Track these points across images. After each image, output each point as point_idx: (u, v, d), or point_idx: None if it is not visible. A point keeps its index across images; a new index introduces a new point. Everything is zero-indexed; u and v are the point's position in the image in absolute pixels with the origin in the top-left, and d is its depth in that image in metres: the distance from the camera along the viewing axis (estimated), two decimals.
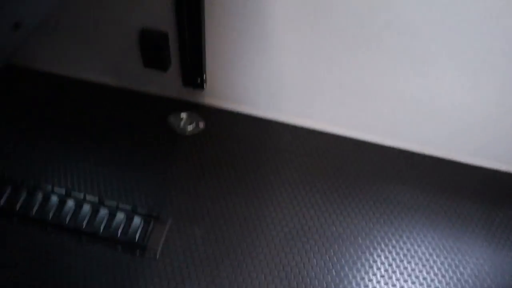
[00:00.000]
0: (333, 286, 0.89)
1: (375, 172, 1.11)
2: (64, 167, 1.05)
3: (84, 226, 0.95)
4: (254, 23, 0.99)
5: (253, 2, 0.95)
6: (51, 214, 0.96)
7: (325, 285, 0.89)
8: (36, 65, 1.26)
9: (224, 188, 1.04)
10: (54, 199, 0.98)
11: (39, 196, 0.98)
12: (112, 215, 0.97)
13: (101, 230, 0.94)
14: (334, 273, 0.92)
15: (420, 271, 0.94)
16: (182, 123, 1.19)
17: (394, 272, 0.93)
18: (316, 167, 1.11)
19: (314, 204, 1.03)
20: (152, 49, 1.08)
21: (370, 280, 0.92)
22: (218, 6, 0.97)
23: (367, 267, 0.94)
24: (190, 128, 1.18)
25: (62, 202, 0.98)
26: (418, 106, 1.06)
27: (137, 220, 0.96)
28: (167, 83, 1.20)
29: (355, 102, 1.10)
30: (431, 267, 0.94)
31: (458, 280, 0.93)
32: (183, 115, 1.21)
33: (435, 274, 0.93)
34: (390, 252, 0.96)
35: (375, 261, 0.95)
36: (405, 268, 0.94)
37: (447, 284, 0.92)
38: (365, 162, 1.13)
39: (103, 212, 0.97)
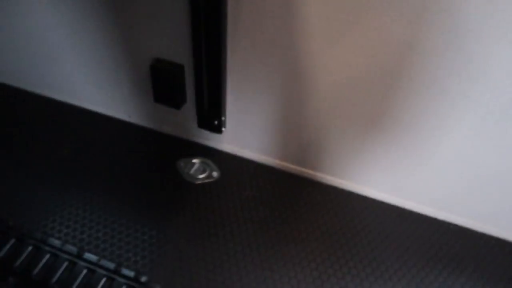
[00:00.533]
0: None
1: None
2: (46, 207, 0.90)
3: (54, 281, 0.77)
4: (286, 60, 0.83)
5: (286, 34, 0.79)
6: (18, 262, 0.79)
7: None
8: (36, 89, 1.16)
9: (232, 255, 0.85)
10: (27, 247, 0.82)
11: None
12: (91, 272, 0.79)
13: None
14: None
15: None
16: (193, 169, 1.03)
17: None
18: (344, 233, 0.90)
19: None
20: (164, 83, 0.94)
21: None
22: (243, 36, 0.83)
23: None
24: (201, 176, 1.02)
25: (35, 249, 0.81)
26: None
27: (118, 284, 0.78)
28: (179, 122, 1.05)
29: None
30: None
31: None
32: (195, 160, 1.05)
33: None
34: None
35: None
36: None
37: None
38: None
39: (80, 267, 0.79)
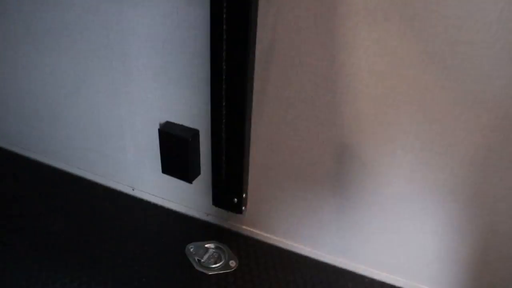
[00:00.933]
0: None
1: None
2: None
3: None
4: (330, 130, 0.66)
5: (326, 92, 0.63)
6: None
7: None
8: (30, 154, 1.00)
9: None
10: None
11: None
12: None
13: None
14: None
15: None
16: (205, 256, 0.84)
17: None
18: None
19: None
20: (174, 151, 0.78)
21: None
22: (271, 103, 0.67)
23: None
24: (216, 266, 0.82)
25: None
26: None
27: None
28: (191, 198, 0.88)
29: None
30: None
31: None
32: (209, 245, 0.86)
33: None
34: None
35: None
36: None
37: None
38: None
39: None
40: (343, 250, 0.80)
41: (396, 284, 0.78)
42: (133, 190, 0.94)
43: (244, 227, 0.88)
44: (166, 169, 0.81)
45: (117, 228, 0.87)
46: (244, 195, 0.80)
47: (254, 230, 0.87)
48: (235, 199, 0.81)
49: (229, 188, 0.80)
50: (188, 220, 0.91)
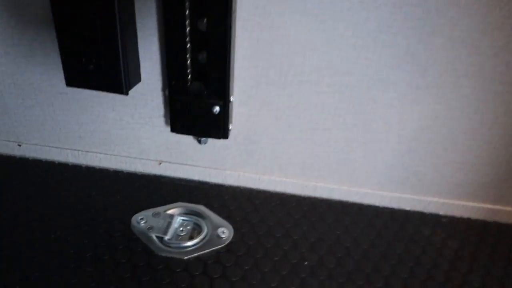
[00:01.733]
0: None
1: None
2: None
3: None
4: None
5: None
6: None
7: None
8: None
9: None
10: None
11: None
12: None
13: None
14: None
15: None
16: (170, 230, 0.46)
17: None
18: None
19: None
20: None
21: None
22: None
23: None
24: (193, 242, 0.45)
25: None
26: None
27: None
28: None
29: None
30: None
31: None
32: (171, 212, 0.48)
33: None
34: None
35: None
36: None
37: None
38: None
39: None
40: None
41: None
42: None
43: (228, 172, 0.52)
44: None
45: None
46: (229, 102, 0.44)
47: (244, 173, 0.52)
48: (216, 107, 0.44)
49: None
50: (124, 177, 0.51)
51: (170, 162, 0.53)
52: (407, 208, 0.53)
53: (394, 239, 0.48)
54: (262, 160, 0.52)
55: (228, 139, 0.48)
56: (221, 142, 0.50)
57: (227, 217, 0.49)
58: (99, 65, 0.41)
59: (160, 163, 0.53)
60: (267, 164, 0.52)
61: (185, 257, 0.44)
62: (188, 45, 0.42)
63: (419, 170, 0.51)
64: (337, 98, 0.46)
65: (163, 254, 0.44)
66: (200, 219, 0.48)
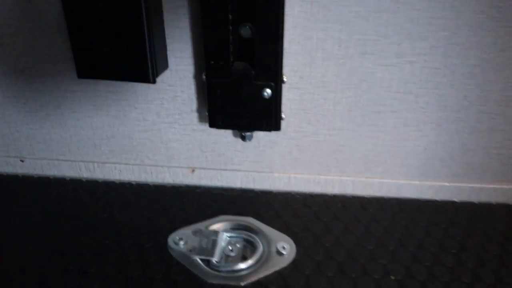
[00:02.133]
0: None
1: None
2: None
3: None
4: None
5: None
6: None
7: None
8: None
9: None
10: None
11: None
12: None
13: None
14: None
15: None
16: (216, 250, 0.37)
17: None
18: None
19: None
20: None
21: None
22: None
23: None
24: (247, 263, 0.36)
25: None
26: None
27: None
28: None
29: None
30: None
31: None
32: (214, 227, 0.39)
33: None
34: None
35: None
36: None
37: None
38: None
39: None
40: None
41: None
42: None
43: (276, 174, 0.43)
44: None
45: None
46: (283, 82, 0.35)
47: (296, 175, 0.43)
48: (267, 90, 0.35)
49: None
50: (151, 191, 0.42)
51: (205, 169, 0.44)
52: (492, 201, 0.45)
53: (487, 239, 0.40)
54: (317, 157, 0.43)
55: (275, 133, 0.40)
56: (266, 138, 0.42)
57: (283, 229, 0.40)
58: (119, 46, 0.32)
59: (193, 171, 0.44)
60: (323, 161, 0.43)
61: (242, 283, 0.35)
62: (230, 16, 0.33)
63: (503, 153, 0.42)
64: (408, 71, 0.38)
65: (214, 282, 0.34)
66: (251, 234, 0.39)
